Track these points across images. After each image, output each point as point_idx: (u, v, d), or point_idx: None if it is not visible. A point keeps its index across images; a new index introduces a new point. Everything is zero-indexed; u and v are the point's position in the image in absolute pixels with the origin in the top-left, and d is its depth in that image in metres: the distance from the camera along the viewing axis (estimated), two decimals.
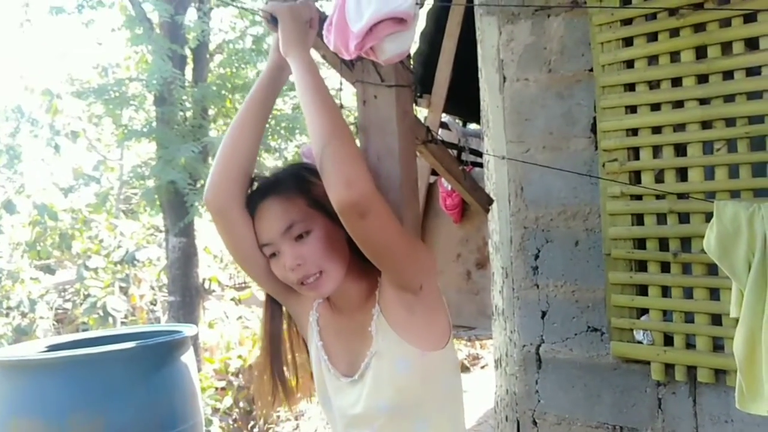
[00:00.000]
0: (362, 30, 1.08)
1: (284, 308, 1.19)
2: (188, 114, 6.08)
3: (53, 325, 7.43)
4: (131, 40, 5.96)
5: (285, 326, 1.19)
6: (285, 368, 1.17)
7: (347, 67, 1.28)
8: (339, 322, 1.13)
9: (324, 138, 0.95)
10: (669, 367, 1.88)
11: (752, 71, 1.70)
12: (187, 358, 2.16)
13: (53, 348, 2.21)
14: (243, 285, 9.60)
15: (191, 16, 6.11)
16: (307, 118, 0.99)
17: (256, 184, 1.12)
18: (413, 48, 2.06)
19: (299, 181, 1.09)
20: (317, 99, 1.00)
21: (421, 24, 3.69)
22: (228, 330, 6.53)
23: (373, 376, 1.05)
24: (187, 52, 6.16)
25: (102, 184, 8.75)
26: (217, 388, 4.85)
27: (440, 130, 3.82)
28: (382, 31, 1.09)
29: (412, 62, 1.43)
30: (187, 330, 2.23)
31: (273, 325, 1.18)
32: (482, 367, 5.99)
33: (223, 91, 6.41)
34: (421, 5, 1.22)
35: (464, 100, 3.62)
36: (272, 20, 1.10)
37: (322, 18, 1.15)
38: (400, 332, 1.04)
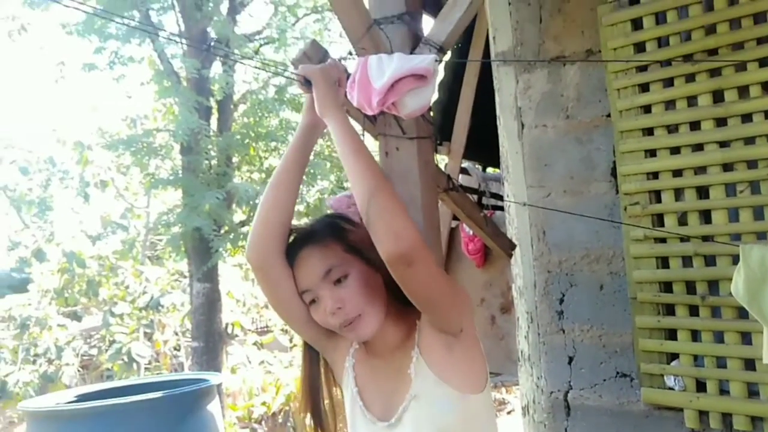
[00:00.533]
0: (384, 87, 1.13)
1: (321, 355, 1.22)
2: (213, 162, 6.25)
3: (78, 371, 7.48)
4: (159, 93, 6.20)
5: (322, 372, 1.21)
6: (323, 412, 1.19)
7: (370, 121, 1.33)
8: (375, 366, 1.14)
9: (368, 193, 0.99)
10: (703, 414, 1.82)
11: None
12: (213, 407, 2.16)
13: (82, 398, 2.24)
14: (265, 329, 9.59)
15: (216, 69, 6.35)
16: (350, 175, 1.03)
17: (293, 236, 1.16)
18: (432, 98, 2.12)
19: (335, 229, 1.13)
20: (358, 156, 1.04)
21: (439, 74, 3.78)
22: (250, 375, 6.51)
23: (413, 419, 1.04)
24: (213, 103, 6.37)
25: (129, 231, 8.95)
26: None
27: (460, 176, 3.86)
28: (404, 87, 1.14)
29: (431, 113, 1.47)
30: (213, 378, 2.25)
31: (311, 371, 1.21)
32: (509, 413, 5.84)
33: (247, 140, 6.60)
34: (440, 62, 1.27)
35: (483, 146, 3.67)
36: (306, 83, 1.16)
37: (347, 76, 1.20)
38: (439, 374, 1.04)
